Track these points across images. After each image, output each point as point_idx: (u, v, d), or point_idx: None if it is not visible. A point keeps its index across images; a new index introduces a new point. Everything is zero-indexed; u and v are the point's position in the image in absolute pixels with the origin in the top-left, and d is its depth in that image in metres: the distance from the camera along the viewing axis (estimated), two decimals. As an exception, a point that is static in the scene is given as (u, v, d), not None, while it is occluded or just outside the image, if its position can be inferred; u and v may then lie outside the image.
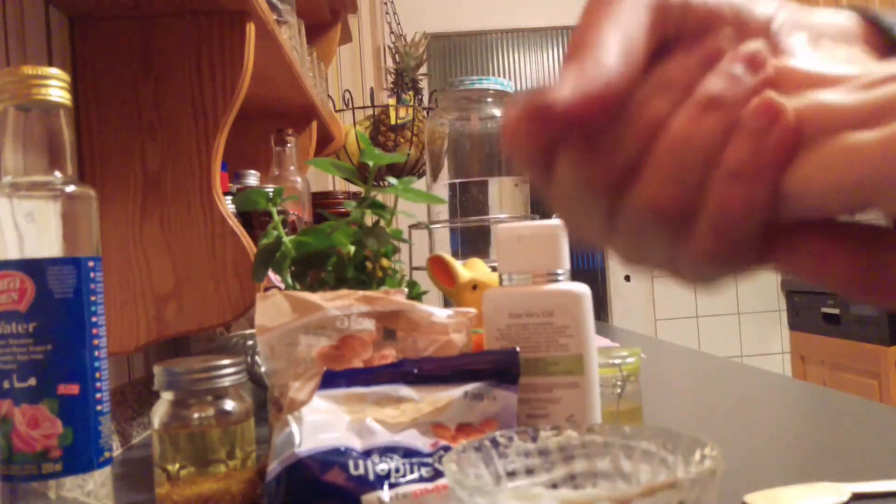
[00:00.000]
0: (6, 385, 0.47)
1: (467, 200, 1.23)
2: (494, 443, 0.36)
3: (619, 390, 0.65)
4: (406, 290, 0.59)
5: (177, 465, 0.52)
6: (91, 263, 0.50)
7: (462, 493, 0.31)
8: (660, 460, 0.34)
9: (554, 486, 0.36)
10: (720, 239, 0.23)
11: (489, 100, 1.26)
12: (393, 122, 1.72)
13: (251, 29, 0.83)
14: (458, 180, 1.24)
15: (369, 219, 0.70)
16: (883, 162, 0.20)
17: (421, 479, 0.43)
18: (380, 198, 0.99)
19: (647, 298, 3.09)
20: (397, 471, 0.43)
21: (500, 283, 0.53)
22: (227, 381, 0.53)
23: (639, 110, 0.24)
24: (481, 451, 0.36)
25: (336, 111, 1.78)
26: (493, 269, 0.86)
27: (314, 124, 1.45)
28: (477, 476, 0.35)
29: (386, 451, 0.44)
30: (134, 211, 0.81)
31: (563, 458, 0.37)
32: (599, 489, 0.36)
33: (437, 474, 0.44)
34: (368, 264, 0.68)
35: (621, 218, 0.25)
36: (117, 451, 0.84)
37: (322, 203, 1.33)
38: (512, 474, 0.36)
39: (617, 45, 0.24)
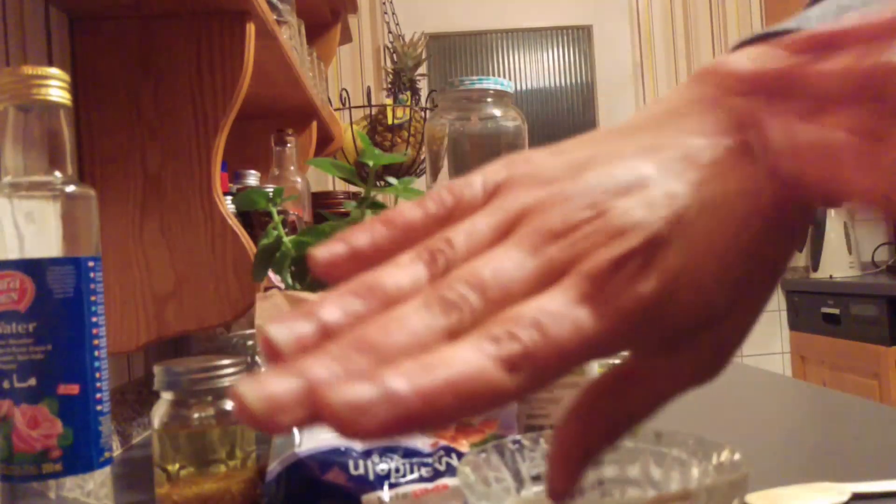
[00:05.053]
0: (6, 385, 0.47)
1: (467, 200, 1.22)
2: (519, 445, 0.36)
3: (619, 390, 0.65)
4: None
5: (177, 465, 0.52)
6: (91, 263, 0.50)
7: (471, 498, 0.30)
8: (690, 468, 0.33)
9: (581, 491, 0.36)
10: None
11: (489, 100, 1.25)
12: (390, 122, 1.72)
13: (251, 29, 0.83)
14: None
15: (369, 219, 0.70)
16: None
17: (421, 479, 0.43)
18: (380, 198, 0.99)
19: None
20: (397, 471, 0.43)
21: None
22: (227, 381, 0.53)
23: None
24: (503, 453, 0.35)
25: (333, 110, 1.78)
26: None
27: (314, 124, 1.45)
28: (497, 479, 0.34)
29: (386, 451, 0.44)
30: (134, 211, 0.81)
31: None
32: (623, 497, 0.35)
33: (437, 474, 0.44)
34: (368, 264, 0.67)
35: None
36: (117, 451, 0.84)
37: (322, 203, 1.33)
38: (537, 478, 0.35)
39: None
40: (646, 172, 0.25)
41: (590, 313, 0.22)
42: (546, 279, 0.23)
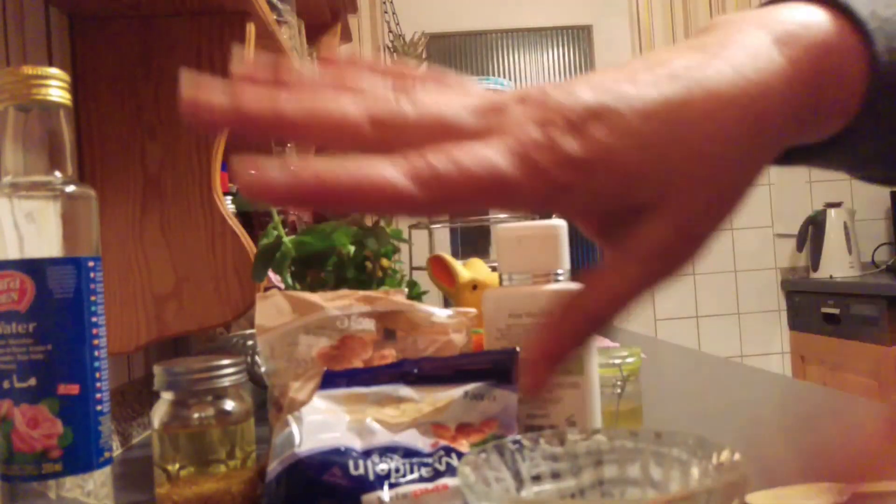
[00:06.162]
0: (6, 385, 0.47)
1: (467, 200, 1.22)
2: (519, 445, 0.36)
3: (619, 390, 0.65)
4: (406, 290, 0.59)
5: (177, 465, 0.52)
6: (91, 263, 0.50)
7: (471, 498, 0.30)
8: (690, 468, 0.33)
9: (581, 491, 0.35)
10: None
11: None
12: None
13: (251, 29, 0.83)
14: (458, 180, 1.24)
15: (369, 219, 0.70)
16: None
17: (421, 479, 0.43)
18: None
19: (647, 298, 3.08)
20: (397, 471, 0.43)
21: (500, 283, 0.53)
22: (227, 381, 0.53)
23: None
24: (503, 453, 0.35)
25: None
26: (493, 269, 0.86)
27: (314, 124, 1.45)
28: (497, 479, 0.34)
29: (386, 451, 0.44)
30: (134, 211, 0.81)
31: (592, 462, 0.36)
32: (623, 496, 0.35)
33: (437, 474, 0.44)
34: (368, 264, 0.68)
35: None
36: (117, 451, 0.84)
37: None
38: (537, 478, 0.35)
39: None
40: (612, 79, 0.28)
41: (511, 164, 0.25)
42: (482, 134, 0.26)
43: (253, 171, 0.23)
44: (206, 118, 0.25)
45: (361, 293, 0.53)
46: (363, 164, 0.24)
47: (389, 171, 0.24)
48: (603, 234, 0.31)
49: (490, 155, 0.25)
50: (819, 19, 0.31)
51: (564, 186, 0.26)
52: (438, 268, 0.85)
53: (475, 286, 0.83)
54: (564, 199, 0.27)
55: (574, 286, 0.32)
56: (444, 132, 0.26)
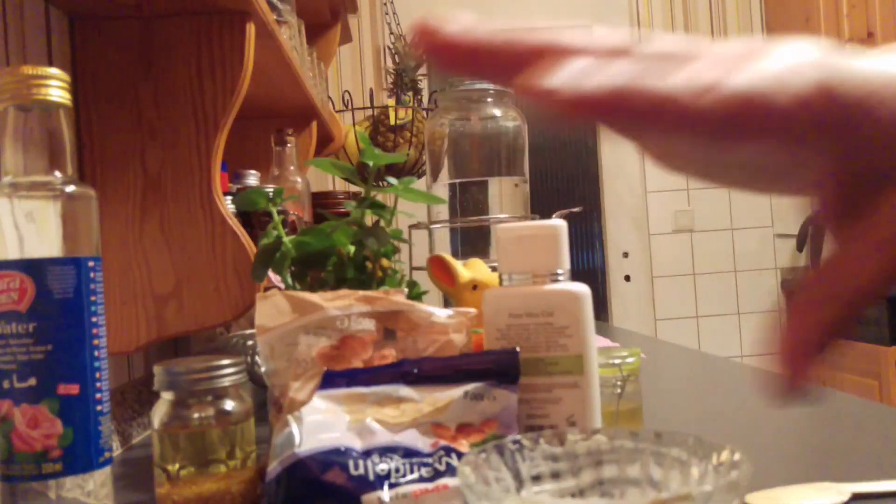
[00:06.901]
0: (6, 385, 0.47)
1: (467, 200, 1.23)
2: (519, 445, 0.35)
3: (619, 390, 0.65)
4: (406, 290, 0.59)
5: (177, 465, 0.52)
6: (91, 263, 0.50)
7: (471, 498, 0.30)
8: (690, 468, 0.33)
9: (581, 491, 0.35)
10: None
11: (489, 100, 1.26)
12: (392, 122, 1.72)
13: (251, 29, 0.83)
14: (457, 180, 1.24)
15: (369, 219, 0.70)
16: None
17: (421, 479, 0.43)
18: (380, 198, 0.99)
19: (647, 298, 3.09)
20: (397, 471, 0.43)
21: (500, 283, 0.53)
22: (227, 381, 0.53)
23: None
24: (503, 453, 0.35)
25: (336, 112, 1.78)
26: (493, 269, 0.86)
27: (314, 124, 1.45)
28: (497, 479, 0.34)
29: (386, 451, 0.44)
30: (134, 211, 0.81)
31: (591, 463, 0.36)
32: (623, 496, 0.35)
33: (437, 474, 0.44)
34: (368, 264, 0.68)
35: None
36: (117, 451, 0.84)
37: (322, 203, 1.33)
38: (537, 478, 0.35)
39: None
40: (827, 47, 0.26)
41: (779, 96, 0.24)
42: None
43: (535, 80, 0.23)
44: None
45: (361, 293, 0.53)
46: (656, 77, 0.24)
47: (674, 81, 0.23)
48: (834, 218, 0.28)
49: (767, 72, 0.24)
50: None
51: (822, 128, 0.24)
52: (438, 268, 0.86)
53: (475, 286, 0.83)
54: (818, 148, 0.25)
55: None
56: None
